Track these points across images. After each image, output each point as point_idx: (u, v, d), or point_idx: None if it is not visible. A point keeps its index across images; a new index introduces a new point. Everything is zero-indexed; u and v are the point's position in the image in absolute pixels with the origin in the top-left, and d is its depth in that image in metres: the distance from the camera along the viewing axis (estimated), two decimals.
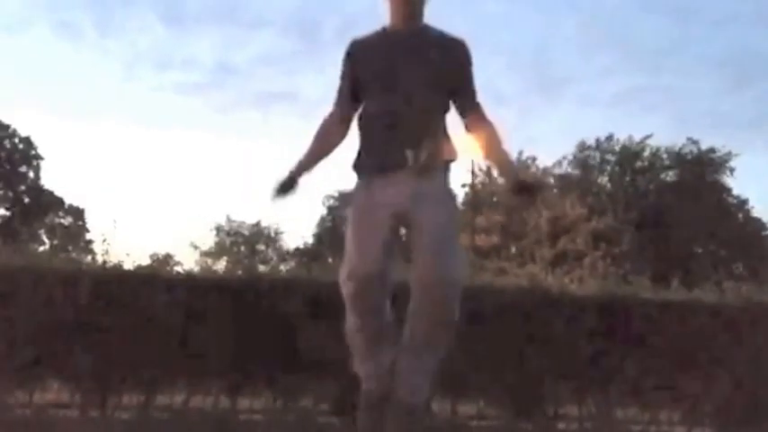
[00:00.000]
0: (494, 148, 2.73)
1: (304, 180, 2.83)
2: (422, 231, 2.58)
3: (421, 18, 2.77)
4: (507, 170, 2.73)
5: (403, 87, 2.65)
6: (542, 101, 49.79)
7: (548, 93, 51.60)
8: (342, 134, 2.87)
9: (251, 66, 56.83)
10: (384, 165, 2.66)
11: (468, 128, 2.79)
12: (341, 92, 2.88)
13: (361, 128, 2.81)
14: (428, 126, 2.65)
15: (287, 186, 2.81)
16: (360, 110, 2.84)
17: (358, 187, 2.78)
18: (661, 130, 59.61)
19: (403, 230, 2.75)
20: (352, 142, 2.89)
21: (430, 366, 2.83)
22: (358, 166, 2.79)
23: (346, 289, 2.65)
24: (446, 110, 2.78)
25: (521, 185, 2.63)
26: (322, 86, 57.66)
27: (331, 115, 2.87)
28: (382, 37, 2.80)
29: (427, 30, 2.78)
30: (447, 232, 2.60)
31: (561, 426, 6.76)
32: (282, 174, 2.82)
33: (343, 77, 2.87)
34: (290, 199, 2.83)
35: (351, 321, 2.75)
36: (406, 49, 2.71)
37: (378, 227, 2.62)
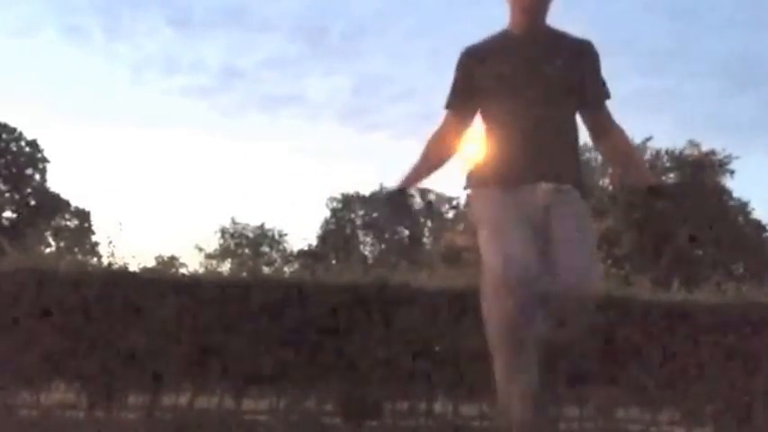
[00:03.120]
0: (624, 155, 2.67)
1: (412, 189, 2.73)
2: (559, 242, 2.38)
3: (544, 22, 2.59)
4: (641, 176, 2.67)
5: (531, 100, 2.47)
6: None
7: None
8: (456, 145, 2.71)
9: (258, 69, 57.04)
10: (512, 182, 2.47)
11: (594, 134, 2.65)
12: (455, 101, 2.67)
13: (483, 144, 2.62)
14: (559, 145, 2.52)
15: (397, 195, 2.70)
16: (480, 119, 2.66)
17: (484, 198, 2.54)
18: (663, 132, 59.64)
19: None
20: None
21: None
22: (477, 181, 2.59)
23: (493, 302, 2.37)
24: (577, 125, 2.62)
25: (654, 190, 2.61)
26: (328, 90, 57.93)
27: (444, 126, 2.70)
28: (503, 42, 2.60)
29: (551, 33, 2.59)
30: (585, 243, 2.44)
31: (562, 426, 6.80)
32: (395, 182, 2.71)
33: (458, 85, 2.66)
34: (400, 206, 2.75)
35: (495, 338, 2.46)
36: (530, 57, 2.52)
37: (522, 230, 2.38)
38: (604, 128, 2.62)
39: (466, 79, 2.63)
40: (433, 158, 2.70)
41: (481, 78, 2.57)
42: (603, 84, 2.62)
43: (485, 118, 2.62)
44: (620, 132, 2.63)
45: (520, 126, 2.49)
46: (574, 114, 2.60)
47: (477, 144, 2.67)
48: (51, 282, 6.09)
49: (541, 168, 2.46)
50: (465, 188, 2.64)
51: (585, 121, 2.64)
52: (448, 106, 2.69)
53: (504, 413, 2.50)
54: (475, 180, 2.60)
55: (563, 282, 2.32)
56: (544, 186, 2.45)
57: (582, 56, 2.57)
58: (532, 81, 2.49)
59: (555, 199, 2.44)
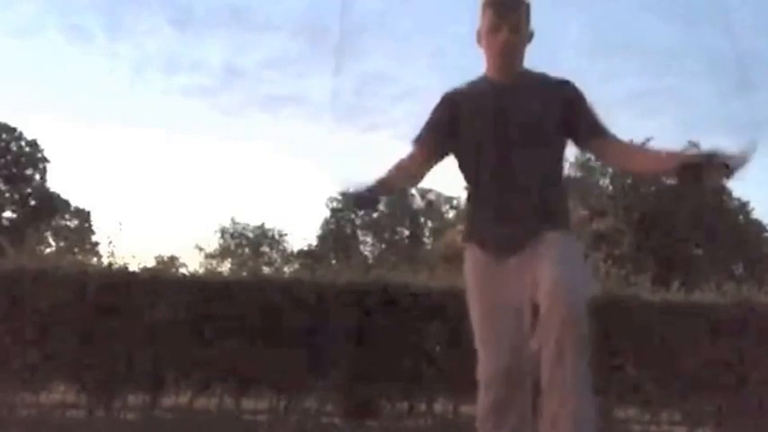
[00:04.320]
0: (639, 157, 2.56)
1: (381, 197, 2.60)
2: (543, 260, 2.34)
3: (520, 65, 2.56)
4: (667, 160, 2.39)
5: (509, 151, 2.45)
6: None
7: None
8: (419, 177, 2.68)
9: (259, 69, 56.89)
10: (497, 250, 2.47)
11: (608, 157, 2.57)
12: (426, 137, 2.62)
13: (468, 197, 2.62)
14: (543, 197, 2.47)
15: (365, 200, 2.57)
16: (461, 170, 2.61)
17: (473, 257, 2.54)
18: (665, 132, 59.30)
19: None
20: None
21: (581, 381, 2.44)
22: (468, 236, 2.59)
23: (485, 391, 2.42)
24: (562, 168, 2.58)
25: (686, 166, 2.29)
26: (329, 90, 57.86)
27: (411, 158, 2.63)
28: (480, 89, 2.57)
29: (529, 77, 2.55)
30: (570, 255, 2.39)
31: None
32: (362, 187, 2.56)
33: (433, 124, 2.61)
34: (366, 210, 2.67)
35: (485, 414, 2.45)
36: (507, 105, 2.48)
37: (507, 316, 2.41)
38: (615, 148, 2.52)
39: (440, 121, 2.59)
40: (398, 182, 2.65)
41: (458, 128, 2.55)
42: (591, 116, 2.51)
43: (465, 170, 2.59)
44: (627, 145, 2.56)
45: (499, 183, 2.47)
46: (558, 158, 2.55)
47: (468, 199, 2.63)
48: (51, 282, 6.10)
49: (522, 239, 2.43)
50: (462, 241, 2.62)
51: (593, 151, 2.58)
52: (416, 141, 2.63)
53: None
54: (465, 235, 2.62)
55: (550, 296, 2.24)
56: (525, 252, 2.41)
57: (560, 96, 2.50)
58: (509, 132, 2.46)
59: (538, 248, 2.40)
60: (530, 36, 2.56)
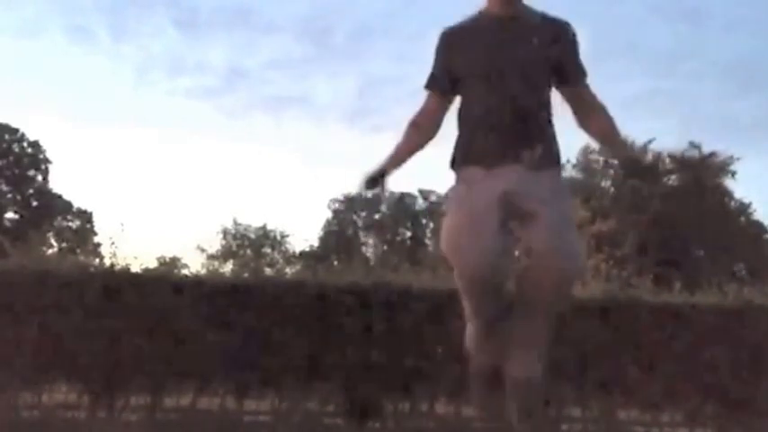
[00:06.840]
0: (607, 133, 2.67)
1: (392, 175, 2.71)
2: (539, 223, 2.41)
3: (520, 1, 2.60)
4: (622, 152, 2.86)
5: (506, 81, 2.51)
6: None
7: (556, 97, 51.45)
8: (434, 128, 2.74)
9: (263, 70, 56.75)
10: (490, 163, 2.51)
11: (577, 112, 2.67)
12: (433, 84, 2.71)
13: (461, 125, 2.65)
14: (536, 123, 2.55)
15: (375, 180, 2.71)
16: (457, 103, 2.69)
17: (458, 182, 2.61)
18: (669, 133, 59.44)
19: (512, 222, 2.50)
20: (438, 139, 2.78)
21: (541, 340, 2.65)
22: (457, 162, 2.63)
23: (460, 284, 2.51)
24: (550, 99, 2.65)
25: (631, 161, 3.01)
26: (334, 91, 57.94)
27: (425, 107, 2.73)
28: (478, 23, 2.62)
29: (527, 12, 2.60)
30: (565, 223, 2.47)
31: (564, 427, 6.80)
32: (372, 167, 2.70)
33: (436, 68, 2.69)
34: (377, 192, 2.79)
35: (467, 309, 2.61)
36: (505, 37, 2.55)
37: (485, 216, 2.42)
38: (586, 105, 2.65)
39: (444, 61, 2.67)
40: (412, 143, 2.74)
41: (458, 62, 2.62)
42: (579, 65, 2.64)
43: (463, 101, 2.66)
44: (603, 110, 2.66)
45: (495, 108, 2.52)
46: (549, 94, 2.64)
47: (457, 129, 2.68)
48: (53, 283, 6.10)
49: (517, 151, 2.51)
50: (450, 168, 2.67)
51: (567, 99, 2.67)
52: (428, 87, 2.73)
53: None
54: (453, 164, 2.65)
55: (548, 265, 2.38)
56: (520, 168, 2.49)
57: (559, 35, 2.59)
58: (505, 62, 2.52)
59: (531, 181, 2.48)
60: None
